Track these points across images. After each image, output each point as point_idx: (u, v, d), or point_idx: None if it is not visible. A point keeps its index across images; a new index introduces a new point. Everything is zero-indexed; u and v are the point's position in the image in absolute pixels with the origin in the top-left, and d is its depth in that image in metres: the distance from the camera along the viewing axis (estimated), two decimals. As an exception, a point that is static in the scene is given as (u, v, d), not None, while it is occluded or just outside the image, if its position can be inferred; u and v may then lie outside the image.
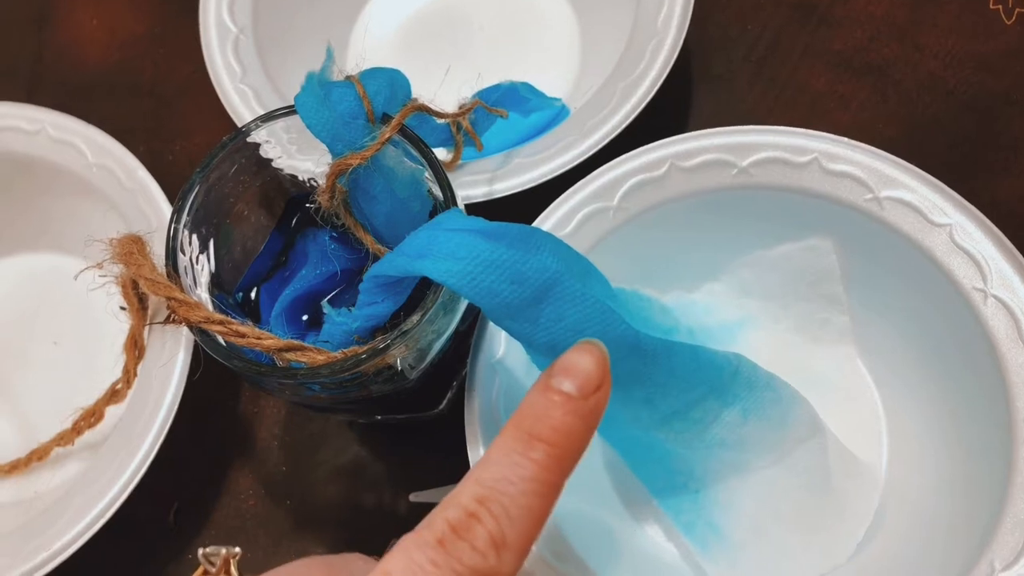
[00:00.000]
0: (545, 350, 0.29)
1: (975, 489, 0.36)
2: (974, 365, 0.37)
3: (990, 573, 0.33)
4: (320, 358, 0.30)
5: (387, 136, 0.32)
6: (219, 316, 0.30)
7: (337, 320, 0.32)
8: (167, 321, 0.31)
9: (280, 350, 0.29)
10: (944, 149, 0.49)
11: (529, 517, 0.23)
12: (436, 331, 0.33)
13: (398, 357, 0.32)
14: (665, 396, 0.33)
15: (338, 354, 0.30)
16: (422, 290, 0.32)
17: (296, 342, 0.30)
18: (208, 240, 0.36)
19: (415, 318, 0.31)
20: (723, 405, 0.36)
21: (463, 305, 0.35)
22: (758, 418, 0.36)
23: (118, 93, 0.58)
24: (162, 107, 0.57)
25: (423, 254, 0.27)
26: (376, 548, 0.43)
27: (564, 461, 0.24)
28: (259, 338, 0.29)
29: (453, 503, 0.23)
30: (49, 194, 0.49)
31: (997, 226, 0.37)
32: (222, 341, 0.31)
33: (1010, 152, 0.48)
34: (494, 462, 0.24)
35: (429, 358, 0.34)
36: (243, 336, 0.30)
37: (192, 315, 0.30)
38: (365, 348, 0.30)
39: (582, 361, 0.25)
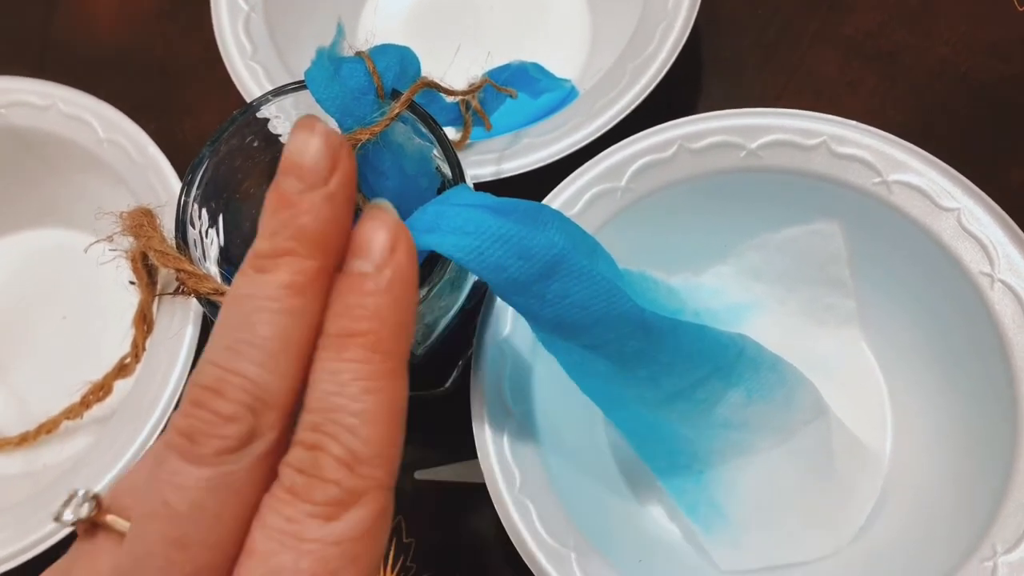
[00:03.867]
0: (551, 327, 0.29)
1: (978, 472, 0.36)
2: (980, 349, 0.37)
3: (992, 556, 0.33)
4: (328, 331, 0.30)
5: (397, 111, 0.32)
6: (227, 288, 0.30)
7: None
8: (176, 292, 0.31)
9: (288, 322, 0.30)
10: (954, 135, 0.49)
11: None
12: (443, 307, 0.33)
13: (405, 332, 0.32)
14: (670, 375, 0.33)
15: (346, 327, 0.30)
16: (429, 266, 0.32)
17: (304, 314, 0.30)
18: (217, 215, 0.36)
19: (422, 293, 0.31)
20: (727, 386, 0.36)
21: (470, 282, 0.35)
22: (762, 399, 0.37)
23: (128, 71, 0.58)
24: (172, 85, 0.57)
25: (431, 228, 0.27)
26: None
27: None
28: (267, 310, 0.30)
29: (263, 429, 0.20)
30: (59, 169, 0.49)
31: (1006, 212, 0.37)
32: (230, 313, 0.31)
33: (1020, 138, 0.48)
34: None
35: (435, 334, 0.35)
36: (252, 308, 0.30)
37: (201, 286, 0.30)
38: (372, 322, 0.30)
39: (303, 145, 0.21)
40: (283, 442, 0.21)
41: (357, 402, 0.20)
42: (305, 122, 0.21)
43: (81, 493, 0.23)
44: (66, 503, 0.23)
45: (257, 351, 0.20)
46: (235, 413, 0.20)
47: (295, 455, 0.20)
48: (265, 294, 0.20)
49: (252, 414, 0.20)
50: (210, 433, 0.20)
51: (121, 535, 0.22)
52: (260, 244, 0.21)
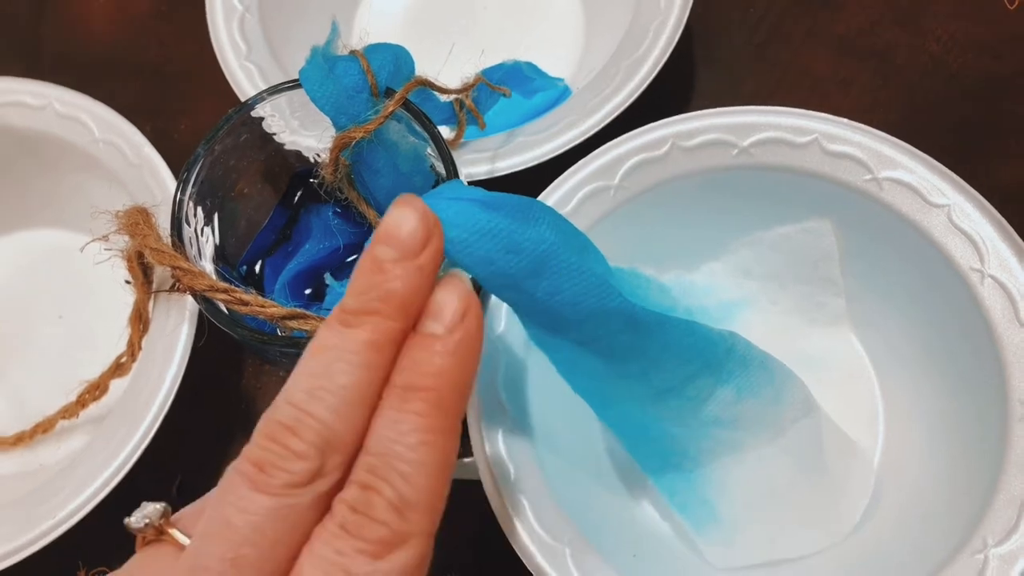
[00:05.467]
0: (541, 322, 0.29)
1: (970, 467, 0.36)
2: (970, 345, 0.37)
3: (983, 549, 0.33)
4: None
5: (390, 109, 0.32)
6: (223, 284, 0.30)
7: (339, 290, 0.32)
8: (171, 289, 0.31)
9: (283, 318, 0.30)
10: (945, 133, 0.49)
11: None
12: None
13: (399, 328, 0.32)
14: (660, 371, 0.33)
15: (340, 323, 0.30)
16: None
17: (299, 310, 0.30)
18: (212, 213, 0.36)
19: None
20: (717, 382, 0.36)
21: (464, 278, 0.35)
22: (752, 396, 0.37)
23: (124, 72, 0.58)
24: (168, 86, 0.57)
25: (421, 221, 0.28)
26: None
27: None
28: (262, 306, 0.30)
29: (328, 469, 0.22)
30: (54, 170, 0.49)
31: (996, 208, 0.37)
32: (225, 309, 0.32)
33: (1011, 137, 0.48)
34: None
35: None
36: (246, 304, 0.30)
37: (196, 283, 0.31)
38: (367, 318, 0.30)
39: (401, 219, 0.23)
40: (343, 482, 0.22)
41: (413, 452, 0.22)
42: (406, 198, 0.23)
43: (153, 505, 0.25)
44: (138, 509, 0.25)
45: (333, 399, 0.22)
46: (306, 452, 0.21)
47: (350, 493, 0.22)
48: (347, 348, 0.22)
49: (321, 455, 0.22)
50: (281, 467, 0.21)
51: (181, 548, 0.24)
52: (349, 301, 0.23)
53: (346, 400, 0.22)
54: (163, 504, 0.25)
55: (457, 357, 0.23)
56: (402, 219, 0.23)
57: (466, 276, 0.25)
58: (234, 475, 0.22)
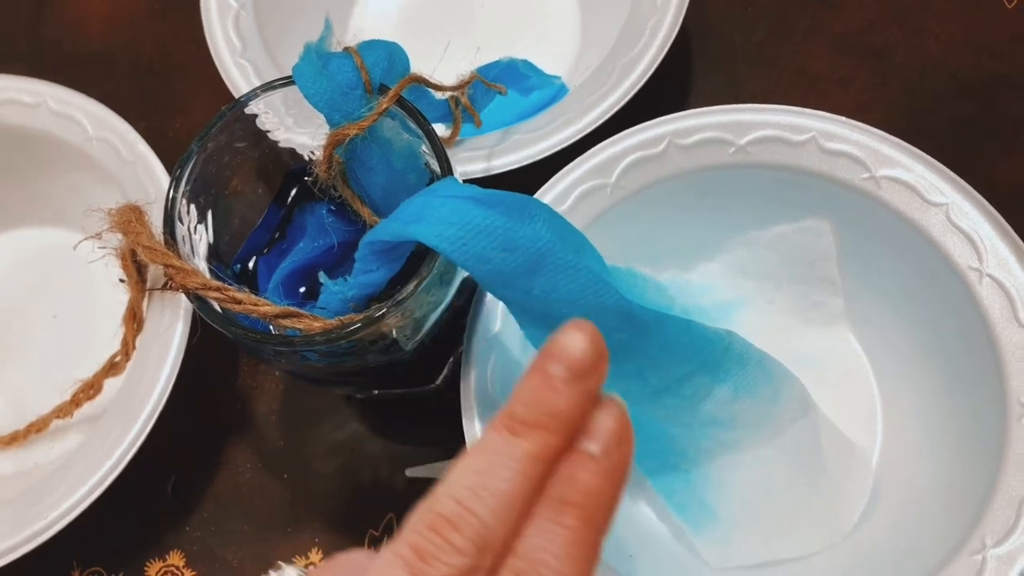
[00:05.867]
0: (537, 320, 0.29)
1: (968, 466, 0.36)
2: (968, 344, 0.37)
3: (981, 549, 0.33)
4: (316, 325, 0.30)
5: (385, 106, 0.32)
6: (216, 283, 0.30)
7: (333, 289, 0.32)
8: (164, 288, 0.31)
9: (277, 316, 0.30)
10: (943, 132, 0.49)
11: None
12: (432, 302, 0.33)
13: (394, 327, 0.32)
14: (656, 369, 0.33)
15: (334, 321, 0.30)
16: (418, 262, 0.32)
17: (292, 309, 0.30)
18: (206, 211, 0.36)
19: (411, 286, 0.31)
20: (714, 381, 0.36)
21: (459, 277, 0.35)
22: (749, 396, 0.37)
23: (119, 70, 0.58)
24: (163, 84, 0.57)
25: (417, 219, 0.27)
26: (372, 522, 0.44)
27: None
28: (256, 304, 0.30)
29: (481, 567, 0.23)
30: (49, 168, 0.49)
31: (994, 207, 0.37)
32: (219, 308, 0.32)
33: (1010, 136, 0.48)
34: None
35: (425, 329, 0.35)
36: (240, 303, 0.30)
37: (189, 281, 0.30)
38: (361, 316, 0.30)
39: (573, 340, 0.24)
40: None
41: (560, 562, 0.23)
42: (582, 323, 0.24)
43: (290, 569, 0.25)
44: (274, 569, 0.26)
45: (495, 501, 0.23)
46: (464, 547, 0.22)
47: None
48: (512, 455, 0.23)
49: (478, 552, 0.22)
50: (439, 558, 0.22)
51: None
52: (518, 409, 0.24)
53: (505, 504, 0.23)
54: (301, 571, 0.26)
55: (610, 479, 0.24)
56: (575, 341, 0.24)
57: (621, 400, 0.25)
58: (393, 558, 0.23)
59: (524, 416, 0.24)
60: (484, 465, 0.23)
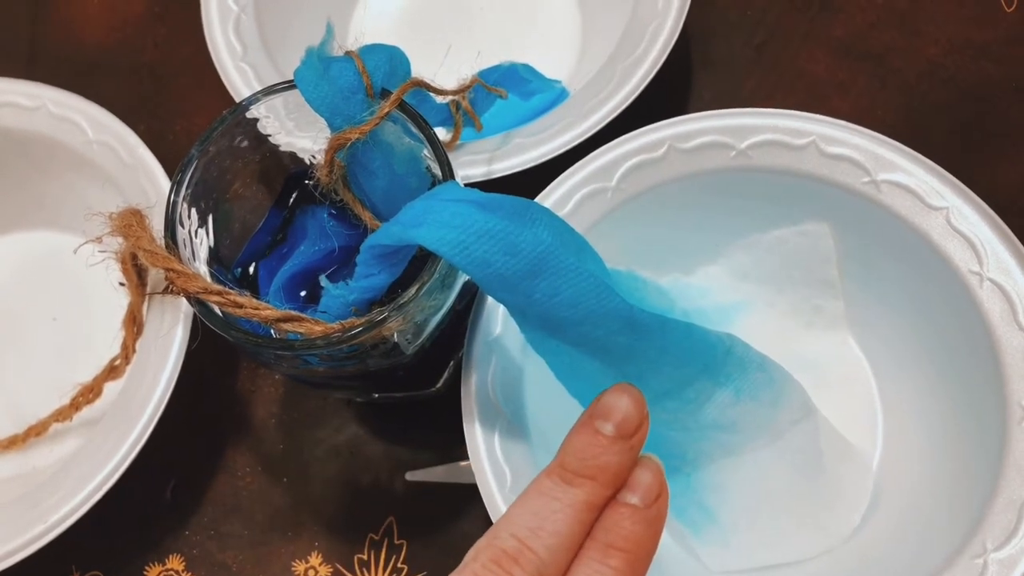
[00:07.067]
0: (539, 323, 0.29)
1: (968, 470, 0.36)
2: (969, 348, 0.37)
3: (982, 553, 0.33)
4: (317, 329, 0.30)
5: (386, 110, 0.32)
6: (217, 287, 0.30)
7: (334, 292, 0.32)
8: (165, 292, 0.31)
9: (278, 320, 0.30)
10: (943, 135, 0.49)
11: None
12: (433, 306, 0.33)
13: (395, 331, 0.32)
14: (657, 373, 0.33)
15: (335, 325, 0.30)
16: (420, 266, 0.32)
17: (294, 312, 0.30)
18: (207, 215, 0.36)
19: (412, 290, 0.31)
20: (716, 385, 0.36)
21: (461, 281, 0.35)
22: (750, 399, 0.37)
23: (119, 73, 0.58)
24: (163, 87, 0.57)
25: (418, 223, 0.27)
26: (372, 526, 0.44)
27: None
28: (257, 308, 0.30)
29: None
30: (48, 171, 0.49)
31: (994, 211, 0.37)
32: (219, 312, 0.31)
33: (1009, 139, 0.48)
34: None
35: (426, 333, 0.35)
36: (241, 307, 0.30)
37: (190, 285, 0.30)
38: (362, 320, 0.30)
39: (620, 402, 0.27)
40: None
41: None
42: (627, 386, 0.28)
43: None
44: None
45: (552, 540, 0.26)
46: None
47: None
48: (567, 501, 0.26)
49: None
50: None
51: None
52: (571, 461, 0.27)
53: (560, 544, 0.26)
54: None
55: (650, 529, 0.27)
56: (621, 402, 0.27)
57: (657, 459, 0.28)
58: None
59: (577, 468, 0.27)
60: (541, 508, 0.26)
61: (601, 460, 0.27)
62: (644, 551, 0.27)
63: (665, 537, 0.40)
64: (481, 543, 0.26)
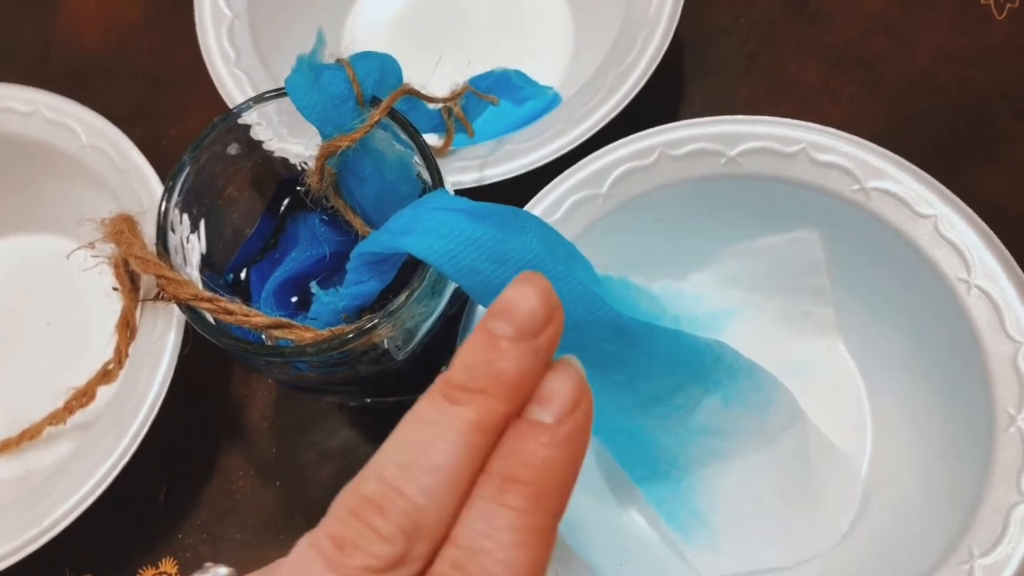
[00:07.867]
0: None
1: (956, 476, 0.36)
2: (957, 354, 0.37)
3: (968, 559, 0.33)
4: (307, 336, 0.30)
5: (376, 118, 0.32)
6: (208, 294, 0.30)
7: (325, 299, 0.32)
8: (156, 298, 0.31)
9: (268, 327, 0.30)
10: (933, 143, 0.49)
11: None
12: (423, 313, 0.34)
13: (385, 337, 0.32)
14: (646, 380, 0.33)
15: (325, 332, 0.30)
16: (410, 273, 0.32)
17: (284, 319, 0.30)
18: (199, 220, 0.36)
19: (402, 297, 0.31)
20: (705, 391, 0.36)
21: (451, 288, 0.35)
22: (739, 405, 0.37)
23: (114, 78, 0.58)
24: (157, 93, 0.57)
25: (407, 231, 0.28)
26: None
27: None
28: (247, 315, 0.30)
29: (411, 557, 0.20)
30: (42, 175, 0.49)
31: (982, 219, 0.37)
32: (211, 319, 0.32)
33: (998, 147, 0.48)
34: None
35: (416, 339, 0.35)
36: (232, 314, 0.30)
37: (181, 292, 0.31)
38: (352, 327, 0.30)
39: (522, 294, 0.21)
40: (424, 573, 0.20)
41: (505, 552, 0.19)
42: (530, 275, 0.21)
43: (222, 569, 0.24)
44: (201, 571, 0.25)
45: (428, 479, 0.20)
46: (391, 535, 0.19)
47: None
48: (449, 425, 0.20)
49: (407, 540, 0.19)
50: (362, 547, 0.19)
51: None
52: (456, 375, 0.21)
53: (441, 482, 0.20)
54: (231, 570, 0.24)
55: (564, 451, 0.21)
56: (522, 296, 0.21)
57: (580, 364, 0.22)
58: (309, 550, 0.20)
59: (464, 381, 0.20)
60: (416, 438, 0.20)
61: (495, 367, 0.20)
62: (555, 481, 0.20)
63: (655, 542, 0.40)
64: (342, 493, 0.20)
